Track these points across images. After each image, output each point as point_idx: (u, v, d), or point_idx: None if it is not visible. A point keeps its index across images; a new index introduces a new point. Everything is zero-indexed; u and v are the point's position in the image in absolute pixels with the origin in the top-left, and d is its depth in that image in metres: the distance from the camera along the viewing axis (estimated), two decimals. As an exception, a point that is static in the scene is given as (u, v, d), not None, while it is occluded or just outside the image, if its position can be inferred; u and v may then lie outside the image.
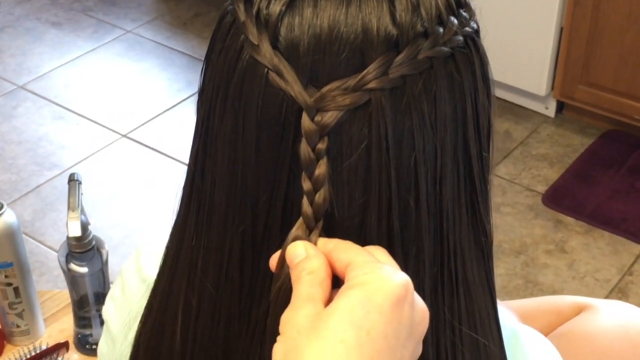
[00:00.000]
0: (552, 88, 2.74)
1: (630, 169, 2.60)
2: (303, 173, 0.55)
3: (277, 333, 0.52)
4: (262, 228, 0.58)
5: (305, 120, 0.54)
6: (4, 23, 3.38)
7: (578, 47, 2.59)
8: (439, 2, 0.56)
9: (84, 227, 1.22)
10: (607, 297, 2.20)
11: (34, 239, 2.38)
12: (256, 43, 0.55)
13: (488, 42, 0.62)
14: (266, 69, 0.55)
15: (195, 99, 0.62)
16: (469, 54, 0.58)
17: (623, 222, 2.42)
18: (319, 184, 0.54)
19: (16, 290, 1.30)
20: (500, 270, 2.25)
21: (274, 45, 0.55)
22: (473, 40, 0.59)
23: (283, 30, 0.55)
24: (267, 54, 0.55)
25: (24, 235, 1.39)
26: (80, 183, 1.24)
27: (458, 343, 0.61)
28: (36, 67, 3.12)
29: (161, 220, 2.40)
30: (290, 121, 0.55)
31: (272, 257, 0.56)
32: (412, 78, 0.54)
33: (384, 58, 0.54)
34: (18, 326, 1.33)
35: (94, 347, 1.33)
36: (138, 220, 2.45)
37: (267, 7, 0.56)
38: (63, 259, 1.27)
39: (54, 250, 2.32)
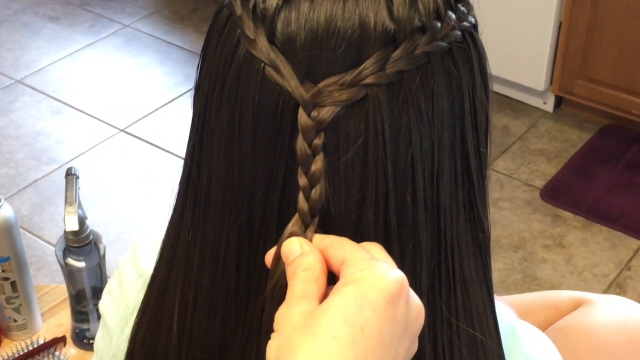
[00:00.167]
0: (551, 83, 2.74)
1: (629, 164, 2.60)
2: (299, 168, 0.54)
3: (272, 329, 0.52)
4: (259, 223, 0.57)
5: (302, 116, 0.54)
6: (1, 17, 3.37)
7: (577, 41, 2.59)
8: None
9: (82, 221, 1.22)
10: (605, 292, 2.20)
11: (31, 233, 2.38)
12: (253, 37, 0.55)
13: (486, 37, 0.62)
14: (263, 64, 0.55)
15: (192, 93, 0.62)
16: (467, 49, 0.58)
17: (621, 217, 2.42)
18: (315, 180, 0.54)
19: (13, 284, 1.29)
20: (499, 265, 2.26)
21: (271, 39, 0.55)
22: (471, 35, 0.58)
23: (280, 25, 0.54)
24: (263, 48, 0.55)
25: (21, 230, 1.39)
26: (77, 177, 1.23)
27: (455, 339, 0.61)
28: (34, 61, 3.11)
29: (159, 215, 2.40)
30: (287, 116, 0.54)
31: (268, 253, 0.56)
32: (410, 73, 0.54)
33: (381, 53, 0.53)
34: (15, 321, 1.33)
35: (91, 341, 1.32)
36: (136, 215, 2.45)
37: (264, 1, 0.55)
38: (60, 253, 1.26)
39: (52, 244, 2.31)
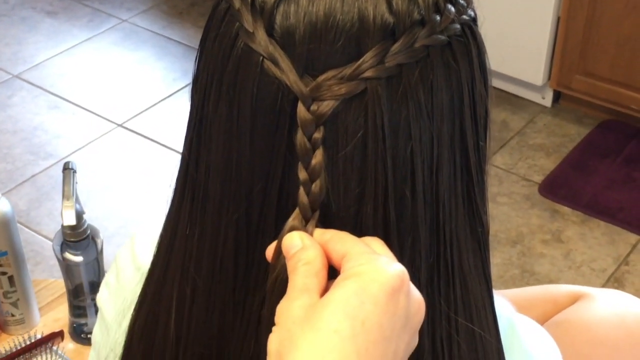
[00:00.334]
0: (549, 78, 2.74)
1: (627, 159, 2.60)
2: (299, 163, 0.54)
3: (272, 323, 0.52)
4: (257, 217, 0.57)
5: (301, 110, 0.53)
6: (-1, 12, 3.36)
7: (575, 36, 2.59)
8: None
9: (79, 215, 1.22)
10: (603, 286, 2.20)
11: (29, 228, 2.38)
12: (251, 31, 0.55)
13: (484, 31, 0.61)
14: (261, 57, 0.54)
15: (190, 88, 0.62)
16: (467, 42, 0.57)
17: (619, 212, 2.42)
18: (316, 174, 0.54)
19: (11, 279, 1.29)
20: (497, 260, 2.26)
21: (269, 33, 0.54)
22: (470, 28, 0.58)
23: (278, 18, 0.54)
24: (262, 42, 0.54)
25: (19, 225, 1.39)
26: (74, 171, 1.23)
27: (454, 334, 0.61)
28: (31, 56, 3.11)
29: (157, 209, 2.40)
30: (286, 110, 0.54)
31: (269, 248, 0.56)
32: (409, 67, 0.54)
33: (380, 47, 0.53)
34: (13, 315, 1.33)
35: (89, 336, 1.32)
36: (134, 209, 2.45)
37: None
38: (58, 248, 1.26)
39: (50, 239, 2.31)
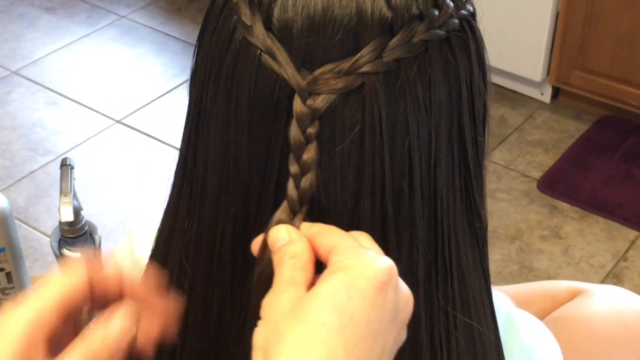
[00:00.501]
0: (548, 74, 2.73)
1: (626, 155, 2.60)
2: (291, 156, 0.54)
3: (258, 317, 0.51)
4: (254, 211, 0.57)
5: (298, 103, 0.53)
6: (-3, 8, 3.36)
7: (574, 32, 2.59)
8: None
9: (77, 212, 1.22)
10: (602, 282, 2.20)
11: (27, 224, 2.37)
12: (249, 24, 0.55)
13: (483, 27, 0.61)
14: (259, 51, 0.54)
15: (189, 83, 0.61)
16: (465, 37, 0.57)
17: (618, 208, 2.42)
18: (307, 168, 0.54)
19: (8, 275, 1.29)
20: (495, 256, 2.26)
21: (267, 26, 0.54)
22: (469, 23, 0.58)
23: (276, 11, 0.54)
24: (260, 35, 0.54)
25: (17, 222, 1.39)
26: (72, 168, 1.23)
27: (452, 329, 0.61)
28: (30, 52, 3.10)
29: (155, 206, 2.40)
30: (283, 104, 0.54)
31: (255, 241, 0.55)
32: (407, 61, 0.54)
33: (378, 41, 0.53)
34: (11, 312, 1.33)
35: (87, 332, 1.32)
36: (132, 206, 2.45)
37: None
38: (56, 244, 1.26)
39: (48, 236, 2.31)
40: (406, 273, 0.57)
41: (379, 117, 0.54)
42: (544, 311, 1.13)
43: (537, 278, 2.21)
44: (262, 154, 0.56)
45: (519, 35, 2.69)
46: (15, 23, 3.27)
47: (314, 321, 0.48)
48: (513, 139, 2.68)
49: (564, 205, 2.44)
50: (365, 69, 0.53)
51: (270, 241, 0.53)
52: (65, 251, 1.26)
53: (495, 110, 2.74)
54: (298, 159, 0.54)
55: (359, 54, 0.53)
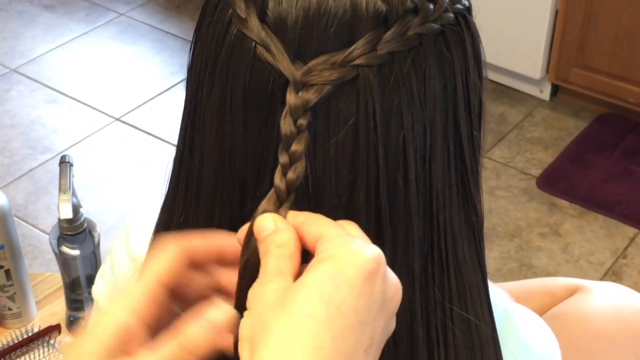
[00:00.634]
0: (547, 71, 2.73)
1: (625, 152, 2.60)
2: (281, 145, 0.54)
3: (244, 308, 0.50)
4: (250, 204, 0.57)
5: (291, 94, 0.53)
6: (-4, 6, 3.36)
7: (573, 29, 2.59)
8: None
9: (76, 209, 1.22)
10: (601, 280, 2.20)
11: (27, 222, 2.37)
12: (244, 17, 0.55)
13: (482, 25, 0.61)
14: (254, 43, 0.54)
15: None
16: (460, 31, 0.57)
17: (617, 205, 2.42)
18: (296, 159, 0.53)
19: (7, 272, 1.29)
20: (495, 254, 2.25)
21: (262, 19, 0.54)
22: (464, 17, 0.58)
23: (271, 4, 0.54)
24: (254, 27, 0.54)
25: (16, 219, 1.39)
26: (71, 165, 1.23)
27: (449, 323, 0.61)
28: (29, 50, 3.10)
29: (154, 203, 2.40)
30: (277, 95, 0.54)
31: (240, 230, 0.55)
32: (401, 55, 0.54)
33: (372, 34, 0.53)
34: (10, 309, 1.33)
35: (86, 329, 1.32)
36: (131, 203, 2.45)
37: None
38: (55, 242, 1.26)
39: (47, 233, 2.31)
40: (402, 267, 0.57)
41: (373, 109, 0.54)
42: (543, 308, 1.13)
43: (536, 275, 2.21)
44: (257, 147, 0.56)
45: (518, 33, 2.69)
46: (14, 21, 3.27)
47: (301, 312, 0.47)
48: (512, 136, 2.68)
49: (563, 202, 2.44)
50: (359, 61, 0.53)
51: (256, 230, 0.53)
52: (64, 248, 1.26)
53: (495, 108, 2.74)
54: (288, 149, 0.53)
55: (353, 46, 0.53)
